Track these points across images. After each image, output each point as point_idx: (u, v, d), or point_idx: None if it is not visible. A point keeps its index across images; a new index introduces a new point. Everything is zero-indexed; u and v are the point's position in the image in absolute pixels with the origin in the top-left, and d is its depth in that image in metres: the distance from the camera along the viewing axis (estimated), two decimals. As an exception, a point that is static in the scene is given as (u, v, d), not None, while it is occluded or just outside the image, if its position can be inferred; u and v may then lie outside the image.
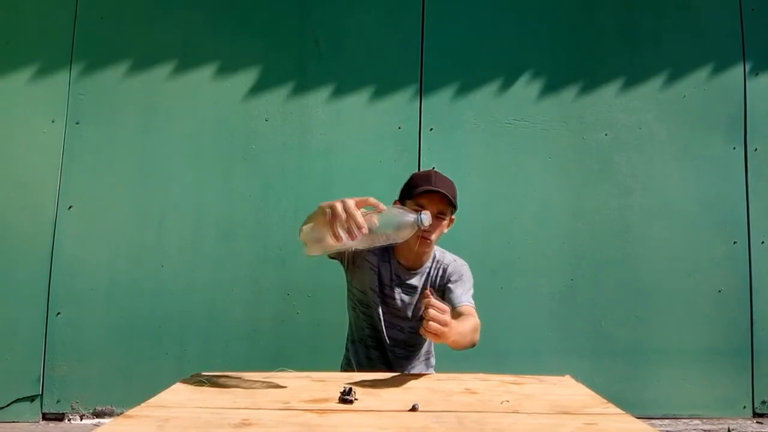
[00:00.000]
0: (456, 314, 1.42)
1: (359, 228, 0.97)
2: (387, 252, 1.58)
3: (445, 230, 1.54)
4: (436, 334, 1.08)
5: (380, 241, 1.02)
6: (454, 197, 1.48)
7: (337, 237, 0.98)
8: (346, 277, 1.63)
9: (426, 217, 1.01)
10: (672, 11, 2.61)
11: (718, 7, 2.61)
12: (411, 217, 1.01)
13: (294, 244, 2.44)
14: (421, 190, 1.43)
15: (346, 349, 1.69)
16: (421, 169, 2.48)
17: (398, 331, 1.58)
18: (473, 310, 1.49)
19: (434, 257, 1.61)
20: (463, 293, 1.55)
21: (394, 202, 1.54)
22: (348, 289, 1.63)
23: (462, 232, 2.47)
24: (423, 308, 1.13)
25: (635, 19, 2.60)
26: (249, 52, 2.52)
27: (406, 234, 1.01)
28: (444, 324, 1.10)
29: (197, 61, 2.51)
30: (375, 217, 1.01)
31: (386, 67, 2.54)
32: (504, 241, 2.50)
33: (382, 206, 1.04)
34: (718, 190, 2.54)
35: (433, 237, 1.48)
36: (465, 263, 1.64)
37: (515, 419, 0.89)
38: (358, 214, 0.97)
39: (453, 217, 1.55)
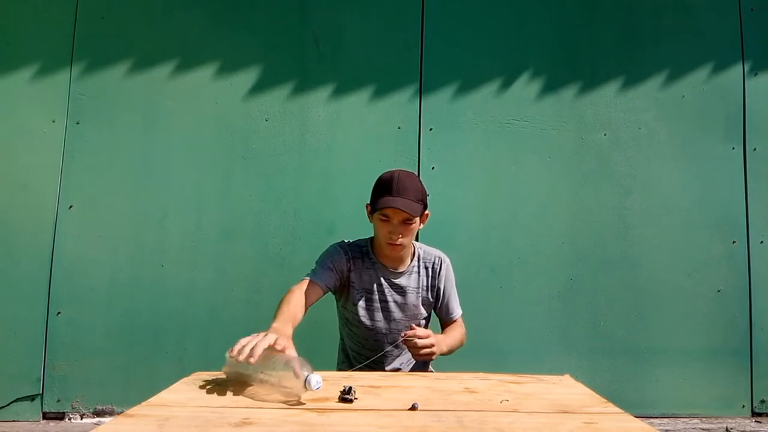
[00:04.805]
0: (449, 323, 1.69)
1: (251, 355, 1.03)
2: (369, 258, 1.60)
3: (420, 227, 1.57)
4: (428, 355, 1.41)
5: (267, 383, 0.99)
6: (420, 200, 1.49)
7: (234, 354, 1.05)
8: (339, 303, 1.67)
9: (314, 381, 0.93)
10: (671, 11, 2.61)
11: (718, 7, 2.61)
12: (299, 379, 0.94)
13: (294, 244, 2.45)
14: (383, 205, 1.45)
15: (341, 362, 1.74)
16: (421, 170, 2.49)
17: (393, 334, 1.61)
18: (461, 319, 1.71)
19: (417, 255, 1.64)
20: (456, 304, 1.70)
21: (366, 206, 1.57)
22: (341, 315, 1.69)
23: (462, 231, 2.48)
24: (405, 340, 1.43)
25: (635, 20, 2.61)
26: (249, 52, 2.52)
27: (292, 391, 0.95)
28: (431, 345, 1.41)
29: (197, 61, 2.51)
30: (271, 358, 1.02)
31: (386, 66, 2.54)
32: (504, 241, 2.50)
33: (287, 353, 1.08)
34: (717, 189, 2.54)
35: (404, 241, 1.51)
36: (447, 259, 1.69)
37: (515, 418, 0.90)
38: (261, 346, 1.06)
39: (426, 212, 1.56)
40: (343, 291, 1.60)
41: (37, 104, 2.45)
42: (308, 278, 1.50)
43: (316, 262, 1.58)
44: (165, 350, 2.39)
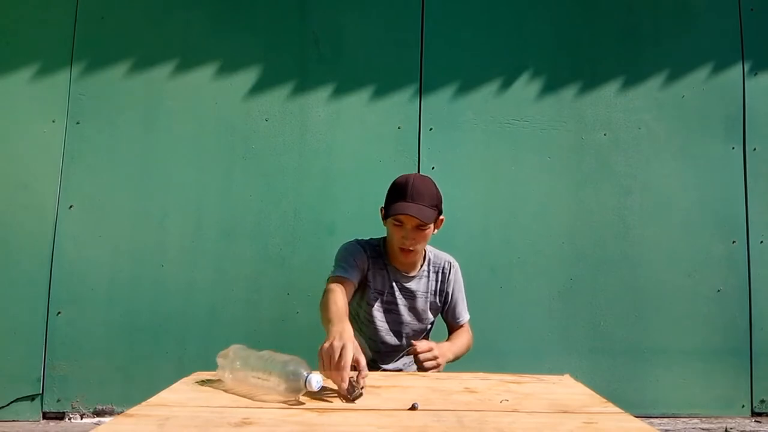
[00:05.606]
0: (456, 328, 1.68)
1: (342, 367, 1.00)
2: (383, 259, 1.60)
3: (435, 232, 1.55)
4: (434, 368, 1.40)
5: (264, 385, 0.98)
6: (434, 206, 1.48)
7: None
8: (352, 300, 1.56)
9: (315, 381, 0.94)
10: (671, 11, 2.61)
11: (717, 7, 2.61)
12: (298, 380, 0.94)
13: (294, 244, 2.45)
14: (397, 211, 1.44)
15: None
16: (421, 170, 2.49)
17: (399, 336, 1.61)
18: (468, 324, 1.70)
19: (428, 260, 1.64)
20: (463, 309, 1.69)
21: (381, 209, 1.56)
22: (351, 312, 1.54)
23: (462, 231, 2.48)
24: (413, 355, 1.41)
25: (635, 20, 2.61)
26: (249, 52, 2.52)
27: (291, 392, 0.95)
28: (435, 358, 1.40)
29: (197, 61, 2.51)
30: (267, 359, 1.00)
31: (386, 66, 2.54)
32: (504, 241, 2.50)
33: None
34: (716, 189, 2.54)
35: (417, 247, 1.50)
36: (456, 263, 1.68)
37: (515, 418, 0.90)
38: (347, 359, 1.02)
39: (441, 217, 1.55)
40: (359, 289, 1.57)
41: (37, 104, 2.45)
42: (340, 275, 1.45)
43: (339, 260, 1.52)
44: (165, 350, 2.39)
